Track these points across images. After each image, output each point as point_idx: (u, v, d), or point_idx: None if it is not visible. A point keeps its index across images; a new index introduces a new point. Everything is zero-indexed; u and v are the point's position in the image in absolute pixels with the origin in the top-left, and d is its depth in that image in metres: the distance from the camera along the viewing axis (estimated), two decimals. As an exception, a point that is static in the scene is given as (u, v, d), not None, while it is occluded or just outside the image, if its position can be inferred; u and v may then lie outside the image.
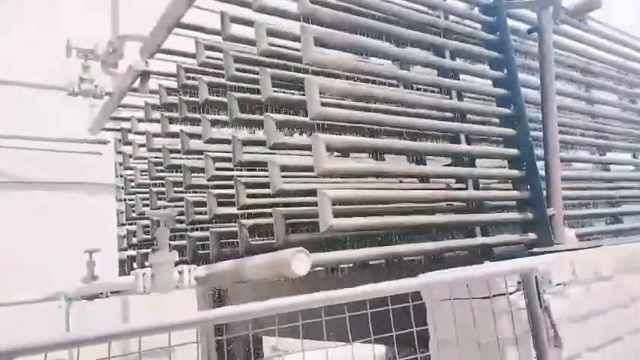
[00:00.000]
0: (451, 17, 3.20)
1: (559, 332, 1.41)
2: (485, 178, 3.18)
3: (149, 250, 3.85)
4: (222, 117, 2.99)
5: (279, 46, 2.71)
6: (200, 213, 3.14)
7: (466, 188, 2.83)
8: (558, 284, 1.53)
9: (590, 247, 2.51)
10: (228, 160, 2.78)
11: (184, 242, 3.15)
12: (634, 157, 4.55)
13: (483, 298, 1.40)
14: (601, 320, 1.62)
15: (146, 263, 3.87)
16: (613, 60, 4.25)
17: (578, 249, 2.46)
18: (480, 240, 2.71)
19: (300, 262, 1.74)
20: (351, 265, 2.84)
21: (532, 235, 2.89)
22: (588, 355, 1.50)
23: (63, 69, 3.97)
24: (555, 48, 3.81)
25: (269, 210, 2.45)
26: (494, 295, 1.39)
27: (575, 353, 1.47)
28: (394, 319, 1.48)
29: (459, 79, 3.03)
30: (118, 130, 4.52)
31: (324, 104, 2.12)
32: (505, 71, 3.08)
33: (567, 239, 2.96)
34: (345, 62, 2.41)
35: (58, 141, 4.82)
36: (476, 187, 2.93)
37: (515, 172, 2.99)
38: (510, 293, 1.39)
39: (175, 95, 3.41)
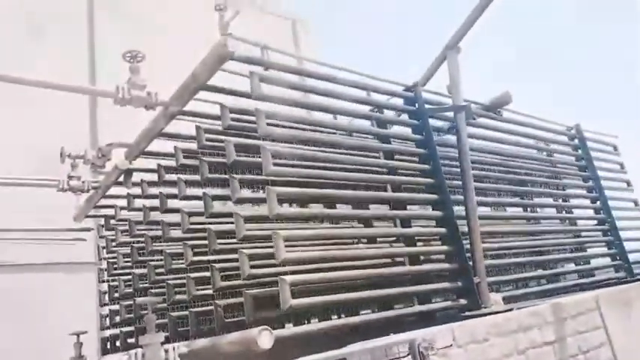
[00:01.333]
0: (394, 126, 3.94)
1: None
2: (423, 255, 3.76)
3: (131, 328, 4.24)
4: (200, 210, 3.53)
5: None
6: (180, 293, 3.58)
7: (404, 263, 3.41)
8: (442, 347, 2.07)
9: (505, 311, 3.10)
10: (205, 247, 3.29)
11: (165, 320, 3.57)
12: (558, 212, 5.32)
13: None
14: None
15: (129, 341, 4.24)
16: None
17: (496, 312, 3.04)
18: (417, 308, 3.25)
19: (265, 338, 2.24)
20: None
21: (463, 301, 3.47)
22: None
23: (54, 168, 4.47)
24: (475, 137, 4.62)
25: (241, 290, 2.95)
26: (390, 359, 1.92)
27: None
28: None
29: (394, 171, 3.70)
30: (100, 216, 4.97)
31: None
32: (431, 164, 3.78)
33: (494, 303, 3.56)
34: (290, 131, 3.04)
35: (47, 231, 5.21)
36: (416, 262, 3.52)
37: (445, 248, 3.62)
38: (402, 357, 1.92)
39: (156, 187, 3.96)
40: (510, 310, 3.01)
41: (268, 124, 3.03)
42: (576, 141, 5.74)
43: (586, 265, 5.28)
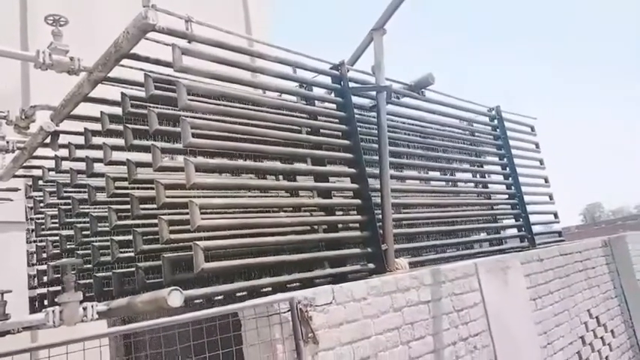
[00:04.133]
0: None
1: (317, 334, 2.25)
2: (341, 224, 4.07)
3: (59, 287, 4.34)
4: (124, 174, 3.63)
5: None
6: (105, 255, 3.73)
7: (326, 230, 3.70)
8: (321, 305, 2.38)
9: (405, 273, 3.47)
10: (128, 211, 3.43)
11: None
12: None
13: (269, 315, 2.21)
14: (353, 326, 2.49)
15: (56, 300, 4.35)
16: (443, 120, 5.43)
17: (391, 274, 3.41)
18: (328, 271, 3.57)
19: (174, 297, 2.46)
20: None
21: (371, 265, 3.83)
22: (339, 348, 2.37)
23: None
24: (400, 116, 4.92)
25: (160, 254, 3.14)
26: (270, 315, 2.20)
27: (331, 347, 2.33)
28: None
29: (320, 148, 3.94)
30: (29, 177, 4.94)
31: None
32: (351, 140, 4.04)
33: (400, 267, 3.95)
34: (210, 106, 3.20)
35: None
36: (334, 231, 3.82)
37: (359, 218, 3.93)
38: (284, 312, 2.21)
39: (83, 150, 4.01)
40: (409, 272, 3.38)
41: (195, 96, 3.17)
42: (496, 121, 6.19)
43: (496, 234, 5.83)
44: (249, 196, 4.11)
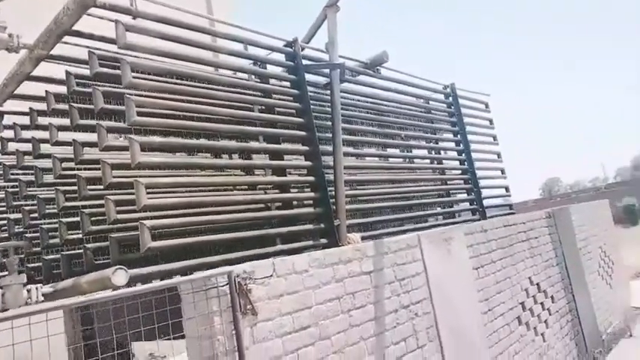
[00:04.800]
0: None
1: (256, 306, 2.33)
2: (295, 201, 4.11)
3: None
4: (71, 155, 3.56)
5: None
6: (53, 238, 3.67)
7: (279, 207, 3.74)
8: (261, 277, 2.45)
9: (357, 243, 3.58)
10: (76, 192, 3.37)
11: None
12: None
13: (208, 289, 2.26)
14: (294, 297, 2.59)
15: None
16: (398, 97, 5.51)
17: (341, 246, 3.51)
18: (280, 247, 3.62)
19: (120, 276, 2.47)
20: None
21: (324, 240, 3.91)
22: (279, 319, 2.46)
23: None
24: (354, 94, 4.97)
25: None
26: (208, 289, 2.26)
27: (270, 317, 2.42)
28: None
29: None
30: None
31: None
32: (305, 118, 4.07)
33: (352, 241, 4.05)
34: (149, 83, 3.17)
35: None
36: (287, 207, 3.87)
37: (312, 195, 4.00)
38: (222, 286, 2.27)
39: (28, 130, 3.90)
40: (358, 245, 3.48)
41: (142, 74, 3.12)
42: (450, 99, 6.33)
43: (450, 208, 6.03)
44: (203, 175, 4.10)
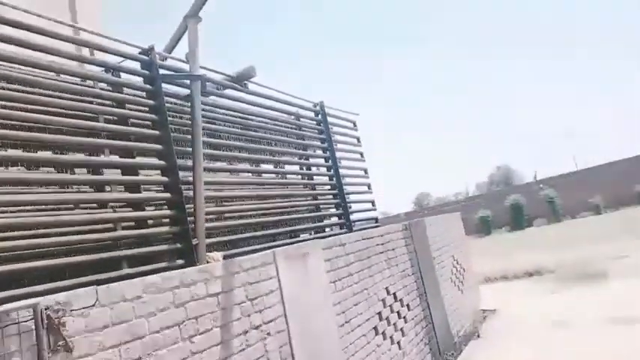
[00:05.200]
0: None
1: (71, 341, 2.09)
2: (151, 219, 3.85)
3: None
4: None
5: None
6: None
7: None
8: (80, 308, 2.23)
9: (217, 262, 3.44)
10: None
11: None
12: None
13: (5, 326, 1.93)
14: (122, 327, 2.39)
15: None
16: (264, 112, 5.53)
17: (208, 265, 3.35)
18: (126, 271, 3.33)
19: None
20: None
21: (180, 261, 3.71)
22: (101, 354, 2.23)
23: None
24: (220, 108, 4.86)
25: None
26: (6, 325, 1.98)
27: (90, 352, 2.16)
28: None
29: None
30: None
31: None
32: (162, 131, 3.86)
33: (212, 260, 3.90)
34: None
35: None
36: (140, 227, 3.59)
37: (167, 212, 3.78)
38: (24, 321, 2.00)
39: None
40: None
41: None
42: (320, 116, 6.53)
43: (319, 222, 6.18)
44: (43, 193, 3.65)
